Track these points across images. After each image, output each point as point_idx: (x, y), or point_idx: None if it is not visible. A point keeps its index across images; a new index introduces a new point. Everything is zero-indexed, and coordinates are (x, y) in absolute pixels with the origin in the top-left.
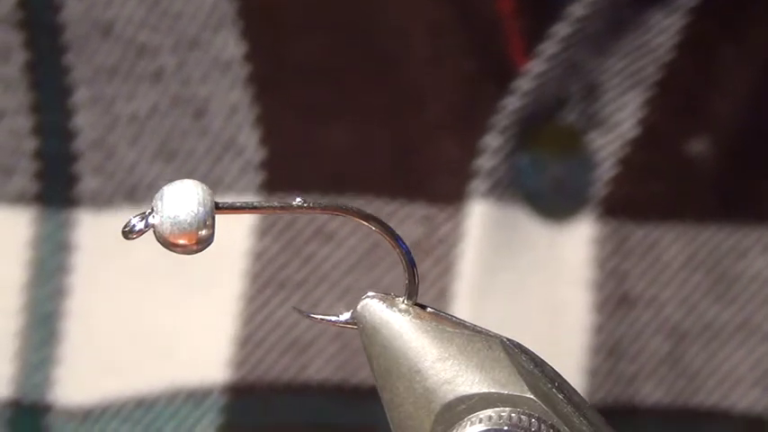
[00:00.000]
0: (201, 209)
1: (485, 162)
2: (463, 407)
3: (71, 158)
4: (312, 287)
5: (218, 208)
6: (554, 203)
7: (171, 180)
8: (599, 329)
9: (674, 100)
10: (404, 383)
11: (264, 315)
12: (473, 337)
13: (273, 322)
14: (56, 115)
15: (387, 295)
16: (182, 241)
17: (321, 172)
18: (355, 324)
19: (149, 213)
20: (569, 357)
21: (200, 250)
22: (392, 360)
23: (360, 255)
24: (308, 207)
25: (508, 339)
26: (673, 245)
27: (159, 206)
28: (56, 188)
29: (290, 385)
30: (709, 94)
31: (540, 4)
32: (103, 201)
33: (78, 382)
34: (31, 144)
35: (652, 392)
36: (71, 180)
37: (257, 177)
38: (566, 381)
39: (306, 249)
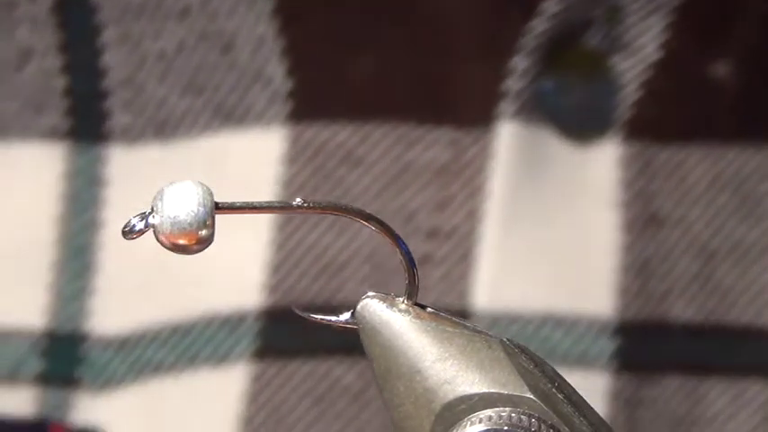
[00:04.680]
0: (201, 209)
1: (512, 84)
2: (463, 407)
3: (101, 96)
4: None
5: (218, 208)
6: (579, 126)
7: (198, 113)
8: (628, 248)
9: (697, 23)
10: (404, 383)
11: (296, 240)
12: (473, 337)
13: (306, 247)
14: (84, 54)
15: (387, 295)
16: (182, 241)
17: (348, 100)
18: (355, 324)
19: (149, 213)
20: (600, 276)
21: (201, 250)
22: (392, 360)
23: (388, 179)
24: (308, 207)
25: (508, 339)
26: (697, 166)
27: (159, 206)
28: (87, 124)
29: (324, 308)
30: (732, 17)
31: None
32: (134, 136)
33: (114, 311)
34: (60, 82)
35: (684, 310)
36: (102, 116)
37: (285, 107)
38: (566, 381)
39: (335, 175)
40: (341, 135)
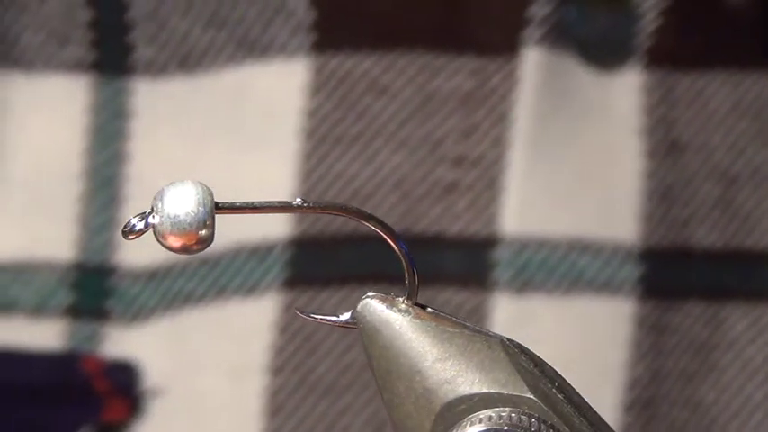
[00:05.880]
0: (201, 209)
1: (536, 11)
2: (463, 407)
3: (126, 29)
4: (368, 141)
5: (218, 208)
6: (602, 54)
7: (221, 46)
8: (651, 175)
9: None
10: (404, 383)
11: (323, 170)
12: (473, 337)
13: (332, 176)
14: None
15: (387, 295)
16: (182, 242)
17: (371, 29)
18: (356, 324)
19: (149, 213)
20: (624, 202)
21: (200, 250)
22: (392, 360)
23: (414, 107)
24: (308, 207)
25: (508, 339)
26: (718, 92)
27: (159, 206)
28: (111, 57)
29: (353, 237)
30: None
31: None
32: (158, 69)
33: (142, 243)
34: (85, 15)
35: (706, 236)
36: (126, 49)
37: (308, 39)
38: (566, 381)
39: (360, 104)
40: (365, 64)
